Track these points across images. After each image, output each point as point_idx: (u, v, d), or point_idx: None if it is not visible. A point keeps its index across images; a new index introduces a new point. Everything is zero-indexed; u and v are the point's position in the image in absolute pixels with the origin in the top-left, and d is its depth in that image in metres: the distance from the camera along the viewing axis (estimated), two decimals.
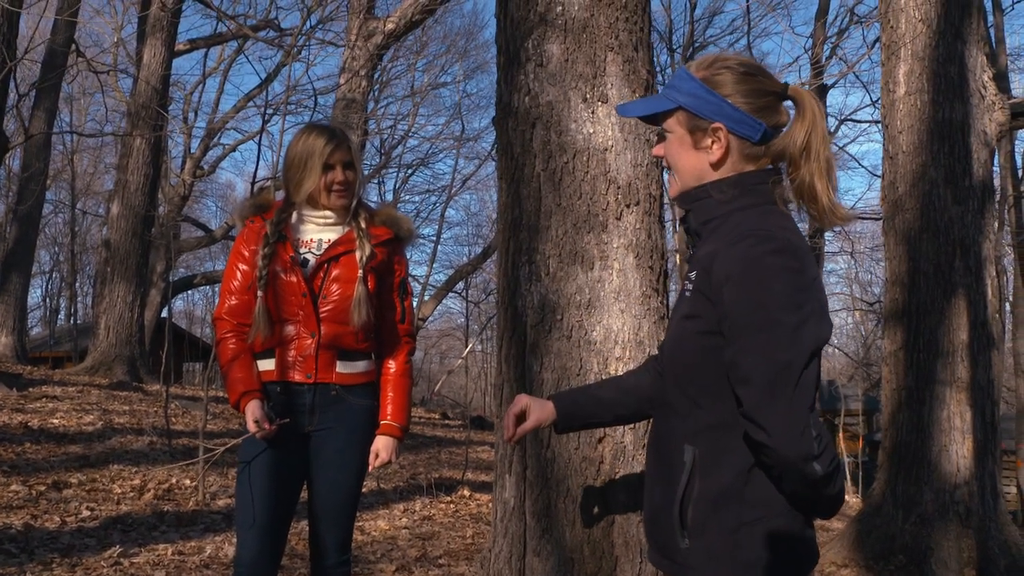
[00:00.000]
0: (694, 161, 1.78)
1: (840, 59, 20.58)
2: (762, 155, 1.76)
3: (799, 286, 1.59)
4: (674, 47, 25.04)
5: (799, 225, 1.80)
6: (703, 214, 1.76)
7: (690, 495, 1.68)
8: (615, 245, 2.80)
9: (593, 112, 2.84)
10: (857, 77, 20.14)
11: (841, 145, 39.92)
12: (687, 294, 1.72)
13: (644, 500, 1.83)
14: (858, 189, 57.66)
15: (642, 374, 2.04)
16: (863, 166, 30.46)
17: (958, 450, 6.10)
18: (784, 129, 1.76)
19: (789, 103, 1.78)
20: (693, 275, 1.71)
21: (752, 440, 1.60)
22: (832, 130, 21.92)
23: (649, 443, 1.84)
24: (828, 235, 23.51)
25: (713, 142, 1.75)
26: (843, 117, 23.87)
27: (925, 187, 6.46)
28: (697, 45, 25.45)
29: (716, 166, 1.76)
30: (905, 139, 6.63)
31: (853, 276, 35.10)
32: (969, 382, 6.16)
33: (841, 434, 15.77)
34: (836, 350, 34.55)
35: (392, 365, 3.00)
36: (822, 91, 19.93)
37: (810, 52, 18.29)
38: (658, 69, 25.90)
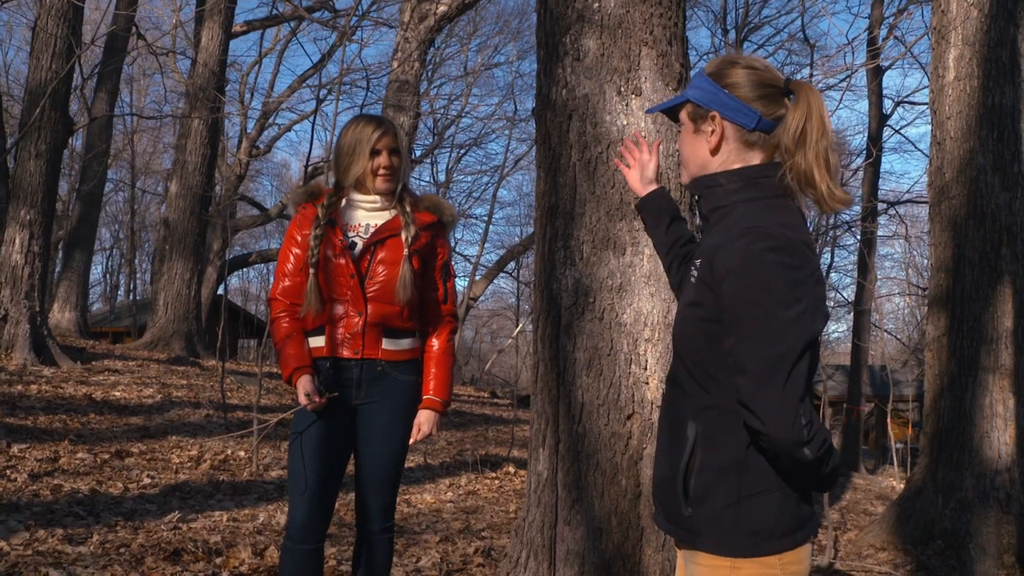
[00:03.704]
0: (696, 147, 1.94)
1: (898, 40, 20.20)
2: (762, 144, 1.88)
3: (795, 282, 1.70)
4: (728, 27, 24.82)
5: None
6: (712, 201, 1.90)
7: (692, 467, 1.81)
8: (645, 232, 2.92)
9: (627, 105, 2.96)
10: (915, 58, 19.72)
11: (898, 128, 39.22)
12: (692, 280, 1.85)
13: (654, 468, 1.98)
14: (915, 172, 56.36)
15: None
16: (919, 149, 29.79)
17: (1000, 437, 6.10)
18: None
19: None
20: (698, 263, 1.84)
21: (748, 426, 1.73)
22: (888, 112, 21.51)
23: (660, 416, 1.98)
24: (882, 219, 23.19)
25: (712, 130, 1.90)
26: (899, 99, 23.40)
27: (972, 173, 6.42)
28: (752, 25, 25.16)
29: (714, 152, 1.91)
30: (953, 125, 6.59)
31: (909, 261, 34.54)
32: (1012, 369, 6.15)
33: (890, 420, 15.63)
34: (889, 335, 34.07)
35: (435, 343, 3.17)
36: (878, 73, 19.59)
37: (866, 32, 17.98)
38: (712, 50, 25.72)
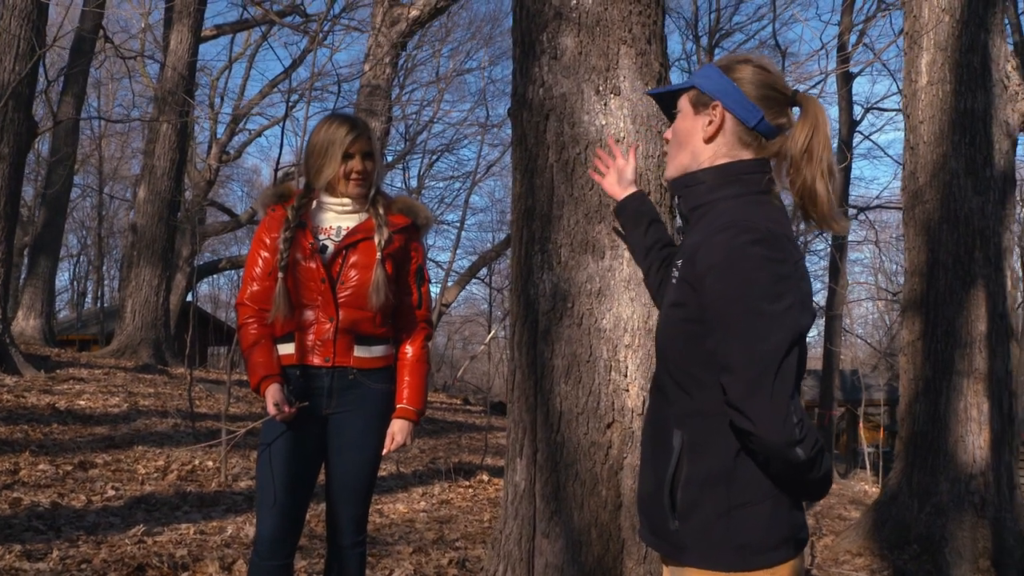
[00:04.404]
0: (691, 134, 1.88)
1: (867, 47, 20.37)
2: (759, 146, 1.82)
3: (780, 276, 1.63)
4: (699, 34, 24.93)
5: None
6: (693, 199, 1.84)
7: (679, 479, 1.73)
8: None
9: (606, 104, 2.89)
10: (884, 65, 19.93)
11: (867, 134, 39.66)
12: (673, 281, 1.78)
13: (639, 480, 1.89)
14: (884, 178, 57.17)
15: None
16: (888, 155, 30.30)
17: (974, 441, 6.10)
18: (787, 132, 1.83)
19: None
20: (679, 263, 1.77)
21: (737, 427, 1.65)
22: (858, 118, 21.73)
23: (644, 425, 1.90)
24: (852, 224, 23.37)
25: (711, 119, 1.84)
26: (869, 105, 23.66)
27: (945, 177, 6.43)
28: (723, 32, 25.31)
29: (708, 140, 1.85)
30: (926, 129, 6.60)
31: (878, 266, 34.88)
32: (987, 373, 6.15)
33: (862, 424, 15.69)
34: (860, 340, 34.34)
35: (409, 350, 3.07)
36: (847, 79, 19.76)
37: (836, 39, 18.12)
38: (683, 56, 25.84)
